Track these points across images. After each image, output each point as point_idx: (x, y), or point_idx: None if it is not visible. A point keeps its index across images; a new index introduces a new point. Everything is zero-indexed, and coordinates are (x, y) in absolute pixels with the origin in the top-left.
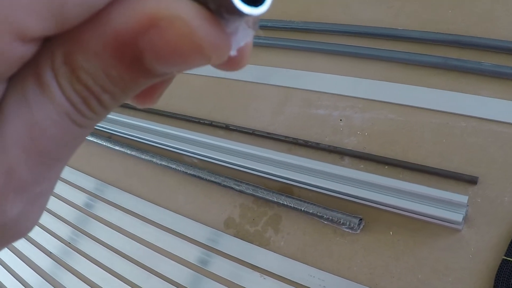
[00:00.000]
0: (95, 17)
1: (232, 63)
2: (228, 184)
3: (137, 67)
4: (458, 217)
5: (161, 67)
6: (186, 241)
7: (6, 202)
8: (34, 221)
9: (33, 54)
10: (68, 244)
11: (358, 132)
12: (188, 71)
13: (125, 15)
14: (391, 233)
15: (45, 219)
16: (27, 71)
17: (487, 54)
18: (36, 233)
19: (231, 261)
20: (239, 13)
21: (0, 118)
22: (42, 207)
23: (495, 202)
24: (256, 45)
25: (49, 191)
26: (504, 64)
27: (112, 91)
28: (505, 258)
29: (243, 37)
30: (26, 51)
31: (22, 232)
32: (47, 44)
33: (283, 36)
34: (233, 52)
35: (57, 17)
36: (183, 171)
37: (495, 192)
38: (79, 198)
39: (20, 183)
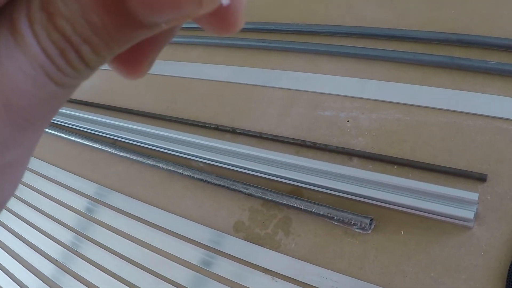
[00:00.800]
0: None
1: (226, 20)
2: (236, 188)
3: (121, 14)
4: (469, 214)
5: (148, 14)
6: (195, 246)
7: None
8: (4, 196)
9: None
10: (74, 252)
11: (366, 133)
12: (193, 76)
13: None
14: (402, 232)
15: (48, 225)
16: (1, 19)
17: (492, 52)
18: (38, 239)
19: (242, 265)
20: None
21: None
22: (14, 181)
23: (505, 199)
24: (260, 48)
25: (22, 162)
26: (509, 62)
27: (93, 42)
28: None
29: None
30: None
31: None
32: None
33: (288, 39)
34: (226, 0)
35: None
36: (190, 175)
37: (504, 188)
38: (82, 204)
39: None
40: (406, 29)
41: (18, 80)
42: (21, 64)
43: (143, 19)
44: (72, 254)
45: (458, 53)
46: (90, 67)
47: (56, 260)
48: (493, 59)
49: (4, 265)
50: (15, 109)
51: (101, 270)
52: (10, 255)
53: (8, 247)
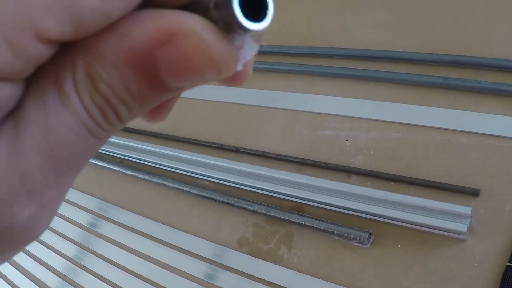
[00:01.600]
0: (114, 30)
1: (237, 78)
2: (240, 205)
3: (154, 81)
4: (462, 227)
5: (176, 81)
6: (200, 260)
7: (18, 204)
8: (43, 227)
9: (49, 57)
10: (82, 267)
11: (364, 151)
12: (197, 97)
13: (143, 29)
14: (399, 245)
15: (54, 240)
16: (47, 77)
17: (485, 73)
18: (46, 255)
19: (247, 278)
20: (244, 29)
21: (20, 120)
22: (52, 214)
23: (497, 213)
24: (262, 70)
25: (60, 198)
26: (501, 81)
27: (129, 104)
28: (509, 264)
29: (249, 50)
30: (42, 51)
31: (30, 236)
32: (68, 52)
33: (289, 61)
34: (240, 67)
35: (73, 21)
36: (195, 193)
37: (497, 203)
38: (89, 220)
39: (33, 186)
40: (402, 51)
41: (61, 133)
42: (65, 120)
43: (172, 85)
44: (79, 269)
45: (452, 74)
46: (124, 123)
47: (65, 275)
48: (486, 79)
49: (10, 279)
50: (58, 157)
51: (108, 284)
52: (16, 268)
53: (14, 260)
